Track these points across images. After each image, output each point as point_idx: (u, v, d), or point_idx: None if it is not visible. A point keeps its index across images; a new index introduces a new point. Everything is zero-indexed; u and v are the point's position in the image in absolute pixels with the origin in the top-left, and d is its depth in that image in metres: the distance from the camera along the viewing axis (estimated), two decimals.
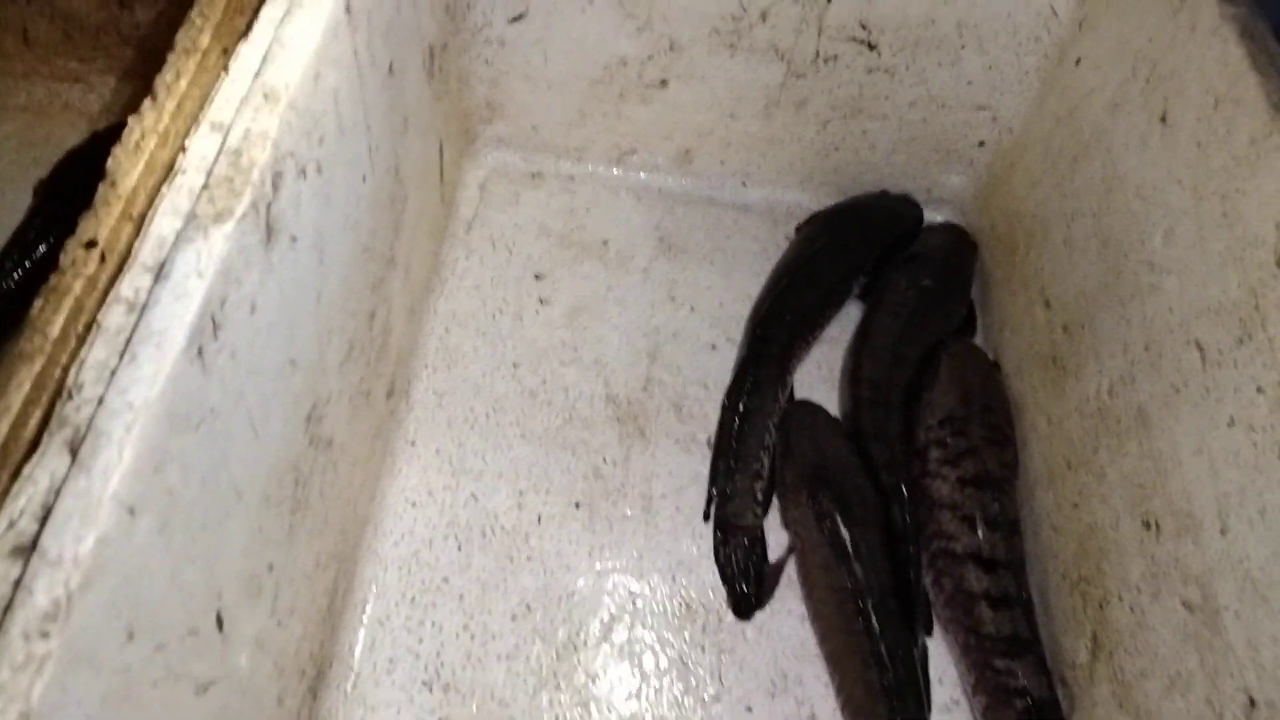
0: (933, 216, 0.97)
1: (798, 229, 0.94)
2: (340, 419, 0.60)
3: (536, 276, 0.89)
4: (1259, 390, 0.54)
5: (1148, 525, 0.63)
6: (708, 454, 0.79)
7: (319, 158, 0.50)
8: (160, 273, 0.39)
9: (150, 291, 0.39)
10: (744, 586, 0.73)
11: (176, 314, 0.38)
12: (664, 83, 0.87)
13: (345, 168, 0.55)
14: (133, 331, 0.37)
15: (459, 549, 0.72)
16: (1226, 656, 0.53)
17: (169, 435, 0.37)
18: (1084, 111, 0.77)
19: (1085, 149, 0.76)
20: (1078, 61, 0.78)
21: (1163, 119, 0.66)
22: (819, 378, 0.86)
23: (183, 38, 0.52)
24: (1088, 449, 0.71)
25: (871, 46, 0.83)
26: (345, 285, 0.57)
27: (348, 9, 0.52)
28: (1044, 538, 0.75)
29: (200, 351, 0.39)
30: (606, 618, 0.71)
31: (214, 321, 0.40)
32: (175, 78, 0.50)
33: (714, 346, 0.87)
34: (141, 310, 0.38)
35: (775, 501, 0.78)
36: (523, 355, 0.83)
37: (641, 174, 0.97)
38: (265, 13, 0.50)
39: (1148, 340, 0.65)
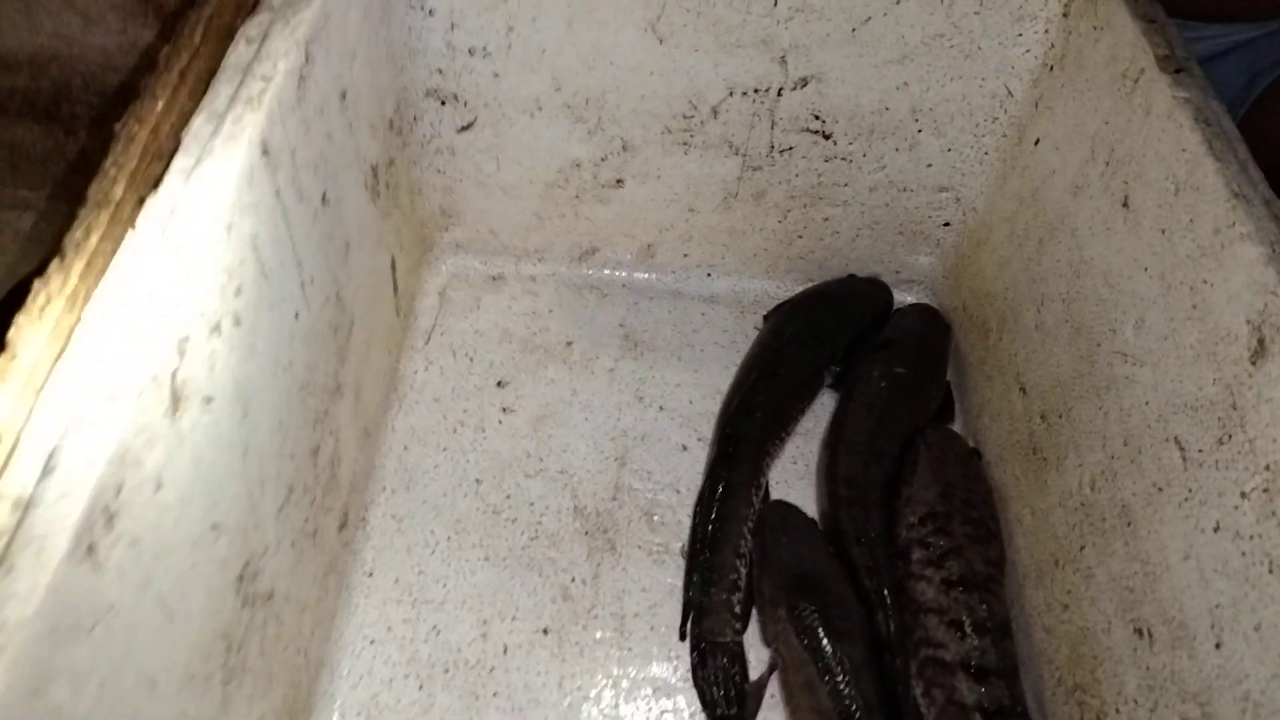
0: (903, 298, 0.94)
1: (765, 318, 0.92)
2: (282, 568, 0.57)
3: (499, 384, 0.86)
4: (1243, 495, 0.51)
5: (1140, 633, 0.59)
6: (682, 565, 0.76)
7: (236, 310, 0.47)
8: (47, 465, 0.36)
9: (36, 487, 0.36)
10: (725, 710, 0.69)
11: (59, 514, 0.35)
12: (620, 182, 0.86)
13: (272, 311, 0.53)
14: (13, 536, 0.34)
15: (420, 688, 0.68)
16: None
17: (52, 649, 0.34)
18: (1047, 193, 0.75)
19: (1051, 231, 0.74)
20: (1037, 142, 0.77)
21: (1125, 204, 0.64)
22: (795, 473, 0.83)
23: (95, 190, 0.49)
24: (1074, 546, 0.67)
25: (827, 136, 0.81)
26: (279, 430, 0.55)
27: (264, 151, 0.50)
28: (1036, 640, 0.71)
29: (91, 549, 0.36)
30: None
31: (107, 512, 0.37)
32: (85, 234, 0.47)
33: (685, 447, 0.84)
34: (25, 509, 0.35)
35: (755, 613, 0.74)
36: (485, 470, 0.80)
37: (605, 271, 0.95)
38: (177, 162, 0.48)
39: (1126, 434, 0.62)
